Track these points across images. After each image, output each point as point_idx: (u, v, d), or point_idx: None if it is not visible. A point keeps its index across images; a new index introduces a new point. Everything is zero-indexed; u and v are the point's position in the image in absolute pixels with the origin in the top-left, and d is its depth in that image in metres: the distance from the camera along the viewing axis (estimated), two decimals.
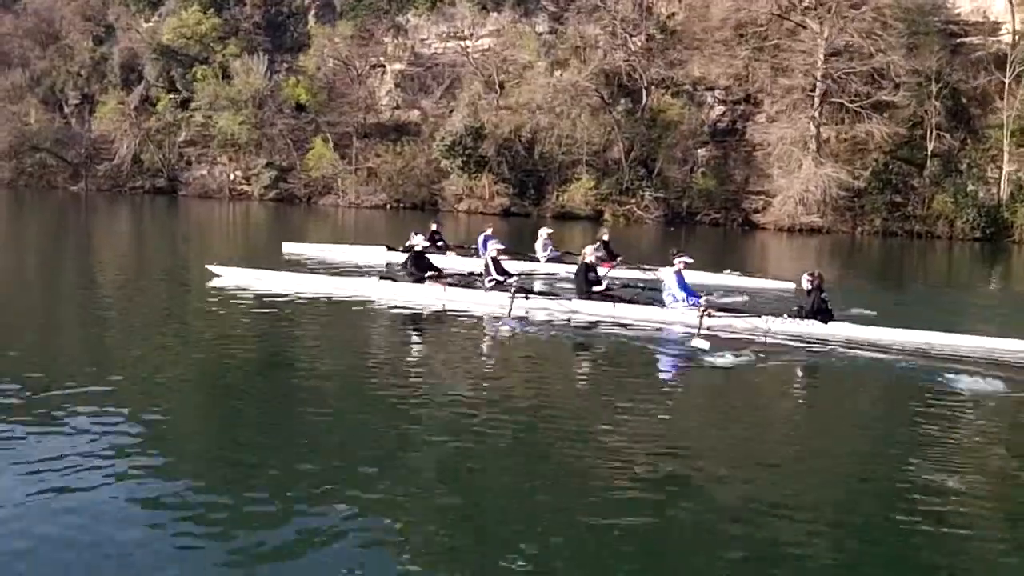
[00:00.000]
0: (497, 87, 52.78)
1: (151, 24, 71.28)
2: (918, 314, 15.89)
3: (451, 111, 55.57)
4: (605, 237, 21.43)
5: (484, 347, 12.27)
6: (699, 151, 52.08)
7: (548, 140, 49.47)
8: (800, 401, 10.16)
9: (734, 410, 9.08)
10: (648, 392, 9.66)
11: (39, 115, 71.31)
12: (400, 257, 20.04)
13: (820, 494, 6.64)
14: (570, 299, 13.72)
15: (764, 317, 12.29)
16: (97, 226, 38.87)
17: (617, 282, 15.47)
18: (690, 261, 13.81)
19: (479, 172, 51.06)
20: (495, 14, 57.74)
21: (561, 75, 51.48)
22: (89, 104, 71.68)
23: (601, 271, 15.60)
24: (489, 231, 21.21)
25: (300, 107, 60.20)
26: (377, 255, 21.88)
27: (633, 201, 49.22)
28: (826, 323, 12.23)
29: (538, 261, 21.00)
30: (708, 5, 53.01)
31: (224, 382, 9.51)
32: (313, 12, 65.73)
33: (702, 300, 12.96)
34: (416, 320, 14.13)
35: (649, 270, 19.41)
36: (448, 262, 19.75)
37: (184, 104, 64.64)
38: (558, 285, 16.33)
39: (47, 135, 70.67)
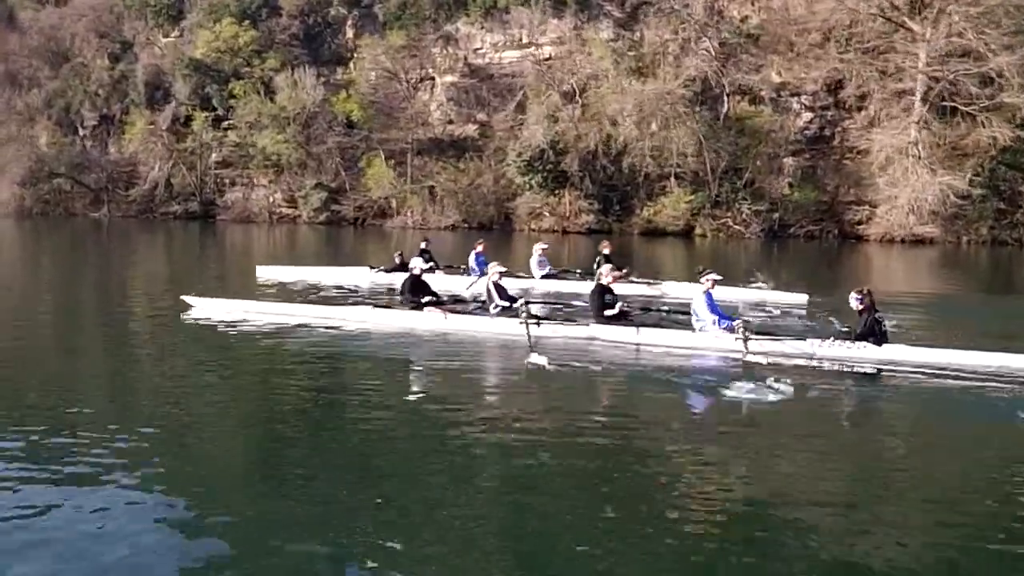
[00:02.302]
0: (578, 97, 49.54)
1: (171, 39, 67.36)
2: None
3: (518, 124, 52.30)
4: (606, 251, 20.09)
5: (496, 379, 10.89)
6: (785, 160, 49.35)
7: (639, 152, 46.30)
8: (863, 434, 8.77)
9: (784, 445, 7.95)
10: (688, 426, 8.74)
11: (54, 138, 67.12)
12: (384, 278, 19.94)
13: (913, 539, 5.83)
14: (588, 324, 12.49)
15: (810, 340, 11.19)
16: (147, 258, 34.83)
17: (625, 302, 13.47)
18: (719, 278, 12.50)
19: (560, 188, 47.90)
20: (555, 20, 54.63)
21: (644, 83, 48.42)
22: (108, 125, 67.58)
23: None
24: (480, 247, 20.57)
25: (349, 124, 56.57)
26: (360, 276, 20.68)
27: (729, 215, 46.29)
28: (880, 345, 10.96)
29: (532, 279, 19.55)
30: (787, 7, 50.48)
31: (217, 428, 8.40)
32: (351, 23, 62.18)
33: (736, 323, 11.56)
34: (416, 350, 12.47)
35: (654, 284, 18.87)
36: (437, 281, 18.11)
37: (217, 122, 60.82)
38: (557, 306, 14.68)
39: (65, 159, 66.44)
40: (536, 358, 10.52)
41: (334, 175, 56.94)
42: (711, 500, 6.36)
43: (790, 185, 47.27)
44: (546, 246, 21.19)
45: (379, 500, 6.24)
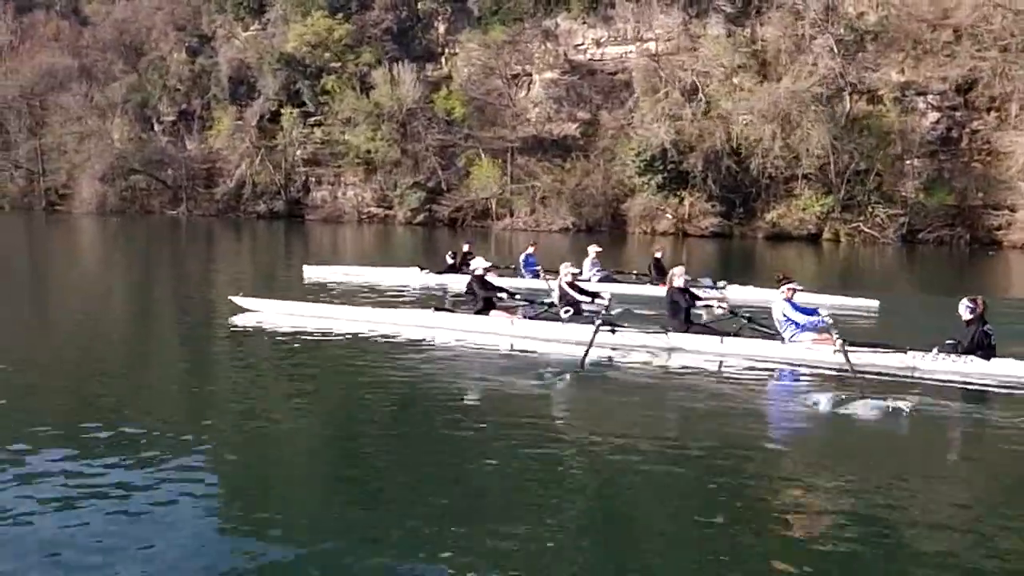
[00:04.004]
0: (700, 94, 47.69)
1: (251, 33, 65.82)
2: None
3: (628, 123, 50.55)
4: (659, 254, 19.90)
5: (566, 388, 9.67)
6: (910, 162, 47.38)
7: (768, 152, 44.44)
8: (974, 458, 7.84)
9: (884, 466, 7.17)
10: (782, 445, 7.81)
11: (129, 134, 65.62)
12: (433, 279, 19.39)
13: None
14: (667, 332, 11.47)
15: (911, 353, 10.30)
16: (241, 258, 32.94)
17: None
18: (799, 288, 11.76)
19: (680, 189, 46.11)
20: (662, 16, 52.77)
21: (763, 81, 46.60)
22: (187, 121, 66.11)
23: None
24: (531, 249, 20.24)
25: (447, 122, 54.89)
26: (410, 277, 19.97)
27: (861, 219, 44.39)
28: (988, 359, 10.05)
29: (587, 281, 18.30)
30: (911, 4, 48.46)
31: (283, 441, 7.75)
32: (443, 18, 60.51)
33: (826, 318, 10.79)
34: (484, 358, 11.39)
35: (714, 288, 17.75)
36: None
37: (305, 118, 59.25)
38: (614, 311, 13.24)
39: (142, 156, 64.94)
40: (581, 366, 9.94)
41: (430, 174, 55.24)
42: (809, 524, 5.90)
43: (924, 188, 45.22)
44: (600, 249, 20.39)
45: (451, 512, 5.78)
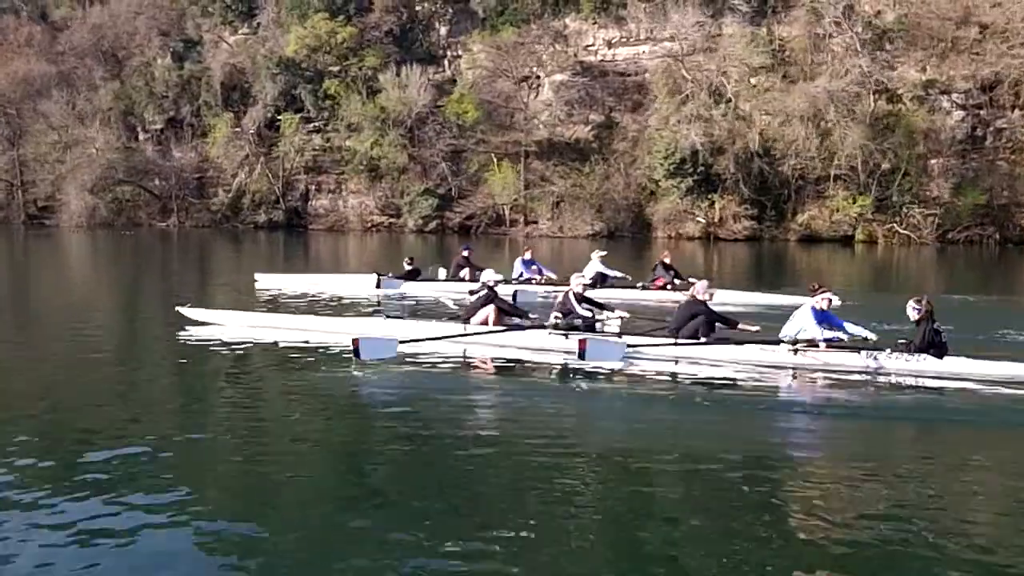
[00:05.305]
0: (729, 95, 46.55)
1: (240, 36, 63.42)
2: None
3: (648, 124, 49.30)
4: (667, 260, 19.22)
5: (577, 402, 9.50)
6: (935, 161, 46.84)
7: (805, 153, 43.46)
8: (927, 453, 7.87)
9: (849, 464, 7.22)
10: (761, 449, 7.58)
11: (114, 143, 62.54)
12: (394, 287, 18.82)
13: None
14: (676, 343, 11.44)
15: (864, 352, 10.60)
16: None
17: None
18: (834, 298, 11.34)
19: (710, 192, 44.94)
20: (676, 15, 51.58)
21: (789, 82, 45.71)
22: (176, 128, 63.35)
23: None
24: (528, 255, 19.95)
25: (458, 126, 53.12)
26: (367, 285, 19.04)
27: (896, 220, 43.62)
28: (941, 358, 10.36)
29: (592, 287, 17.62)
30: (926, 2, 48.02)
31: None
32: (444, 19, 58.75)
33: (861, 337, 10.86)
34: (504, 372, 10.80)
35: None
36: (460, 287, 17.62)
37: (305, 124, 57.02)
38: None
39: (132, 165, 62.00)
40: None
41: (440, 180, 53.41)
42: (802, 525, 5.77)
43: (955, 188, 44.61)
44: (604, 253, 19.89)
45: (457, 530, 5.52)
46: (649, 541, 5.50)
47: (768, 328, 11.60)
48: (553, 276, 19.31)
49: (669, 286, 18.07)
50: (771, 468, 7.06)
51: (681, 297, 14.31)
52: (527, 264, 19.73)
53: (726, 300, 15.72)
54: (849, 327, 11.04)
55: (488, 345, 11.58)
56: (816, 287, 11.24)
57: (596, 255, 19.44)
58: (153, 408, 8.80)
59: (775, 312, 14.13)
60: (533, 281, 18.95)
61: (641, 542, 5.48)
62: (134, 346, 13.24)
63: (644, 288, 18.27)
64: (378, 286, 18.88)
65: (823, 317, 11.05)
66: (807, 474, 7.00)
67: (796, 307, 11.68)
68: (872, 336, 10.80)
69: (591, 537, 5.51)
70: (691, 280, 18.57)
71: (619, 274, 19.25)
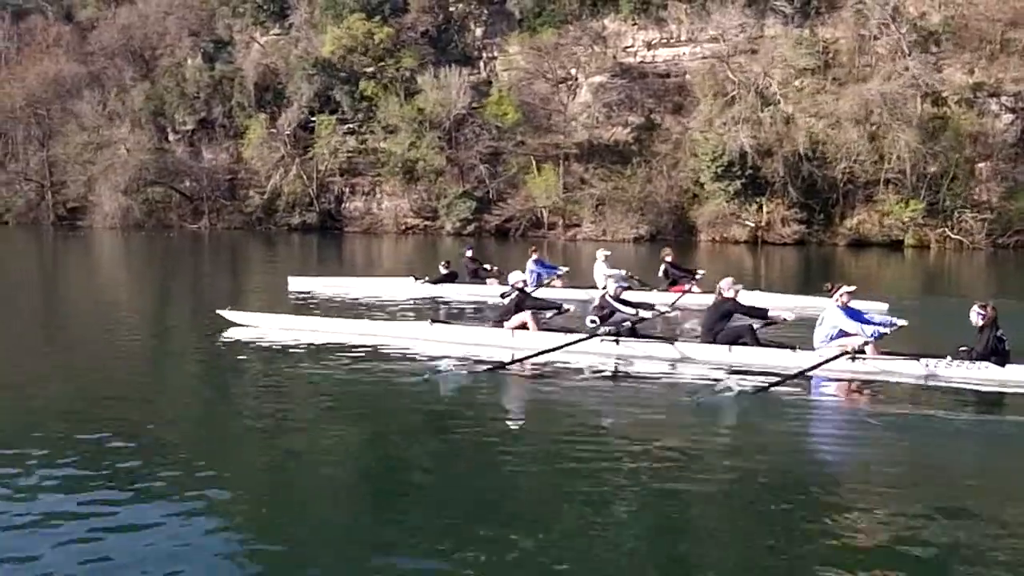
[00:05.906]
0: (779, 98, 45.94)
1: (271, 37, 63.01)
2: None
3: (694, 127, 48.71)
4: (669, 258, 18.96)
5: (600, 403, 9.58)
6: (984, 165, 46.19)
7: (857, 156, 42.85)
8: (990, 469, 7.50)
9: (903, 479, 6.88)
10: (797, 460, 7.54)
11: (146, 144, 62.07)
12: (427, 290, 18.88)
13: None
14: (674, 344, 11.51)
15: (924, 360, 10.18)
16: None
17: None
18: (851, 290, 11.13)
19: (758, 196, 44.36)
20: (718, 16, 50.98)
21: (838, 84, 45.12)
22: (207, 129, 62.93)
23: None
24: (536, 256, 19.82)
25: (497, 127, 52.59)
26: (403, 288, 19.27)
27: (947, 224, 42.98)
28: (1003, 366, 9.87)
29: (598, 289, 17.46)
30: (973, 3, 47.34)
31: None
32: (479, 20, 58.23)
33: (880, 328, 10.58)
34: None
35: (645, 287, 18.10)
36: (490, 290, 18.01)
37: (341, 125, 56.55)
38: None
39: (163, 166, 61.57)
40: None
41: (477, 183, 52.88)
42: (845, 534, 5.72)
43: (1008, 192, 43.95)
44: (608, 252, 19.71)
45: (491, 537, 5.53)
46: (686, 554, 5.48)
47: (797, 329, 11.57)
48: (564, 270, 19.75)
49: (689, 288, 17.80)
50: (824, 480, 6.95)
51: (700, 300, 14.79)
52: (541, 266, 19.72)
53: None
54: (877, 317, 11.02)
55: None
56: (832, 286, 11.15)
57: (601, 254, 19.30)
58: (188, 409, 9.16)
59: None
60: (552, 284, 18.93)
61: (681, 557, 5.45)
62: (169, 348, 13.46)
63: (665, 295, 17.64)
64: (420, 284, 19.17)
65: (851, 313, 10.90)
66: (859, 487, 6.76)
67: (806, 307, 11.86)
68: (900, 322, 10.60)
69: (631, 546, 5.48)
70: (698, 272, 18.72)
71: (620, 273, 18.67)
